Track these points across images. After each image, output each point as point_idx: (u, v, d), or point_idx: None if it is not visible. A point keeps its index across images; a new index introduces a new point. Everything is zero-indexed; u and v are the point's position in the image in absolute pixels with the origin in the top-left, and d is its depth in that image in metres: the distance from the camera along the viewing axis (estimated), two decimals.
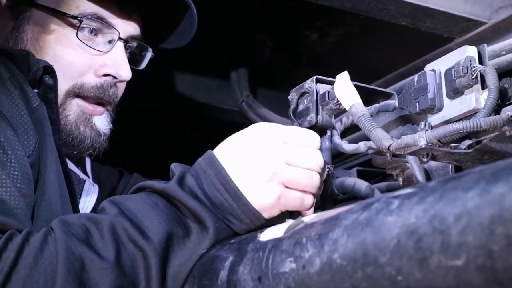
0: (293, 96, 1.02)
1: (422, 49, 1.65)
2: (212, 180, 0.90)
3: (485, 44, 0.89)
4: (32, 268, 0.80)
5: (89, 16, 1.18)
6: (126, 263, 0.84)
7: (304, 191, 0.92)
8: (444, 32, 1.53)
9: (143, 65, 1.33)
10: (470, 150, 0.85)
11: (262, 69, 1.94)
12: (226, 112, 1.95)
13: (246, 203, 0.89)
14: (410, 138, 0.85)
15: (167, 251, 0.87)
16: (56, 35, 1.18)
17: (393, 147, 0.86)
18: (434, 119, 0.91)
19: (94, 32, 1.20)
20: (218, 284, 0.82)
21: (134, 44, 1.28)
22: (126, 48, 1.24)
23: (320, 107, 0.98)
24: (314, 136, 0.94)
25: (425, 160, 0.85)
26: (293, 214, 0.93)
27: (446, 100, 0.90)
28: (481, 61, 0.87)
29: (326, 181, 0.97)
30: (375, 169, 1.27)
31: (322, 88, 0.99)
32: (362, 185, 1.22)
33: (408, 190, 0.60)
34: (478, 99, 0.86)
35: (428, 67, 0.93)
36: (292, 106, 1.02)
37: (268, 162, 0.90)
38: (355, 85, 0.95)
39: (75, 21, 1.18)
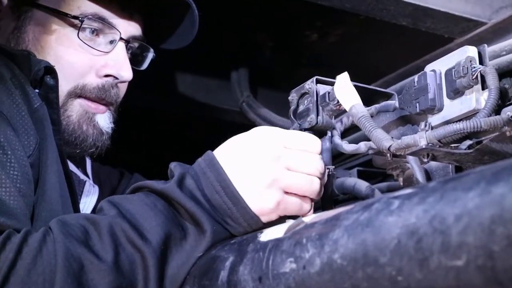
0: (293, 96, 1.02)
1: (423, 49, 1.65)
2: (212, 182, 0.90)
3: (486, 45, 0.89)
4: (31, 269, 0.80)
5: (90, 16, 1.18)
6: (125, 265, 0.84)
7: (304, 196, 0.92)
8: (444, 33, 1.53)
9: (145, 65, 1.32)
10: (471, 151, 0.85)
11: (263, 69, 1.94)
12: (226, 112, 1.95)
13: (244, 207, 0.90)
14: (410, 138, 0.85)
15: (165, 253, 0.87)
16: (57, 36, 1.18)
17: (394, 147, 0.86)
18: (434, 120, 0.91)
19: (96, 32, 1.19)
20: (219, 284, 0.82)
21: (136, 44, 1.28)
22: (127, 48, 1.24)
23: (320, 107, 0.98)
24: (315, 140, 0.95)
25: (425, 160, 0.86)
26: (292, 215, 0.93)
27: (446, 101, 0.90)
28: (481, 62, 0.87)
29: (327, 182, 0.97)
30: (375, 169, 1.27)
31: (322, 88, 0.99)
32: (362, 185, 1.22)
33: (408, 191, 0.60)
34: (478, 99, 0.86)
35: (428, 68, 0.93)
36: (293, 107, 1.02)
37: (269, 168, 0.90)
38: (355, 86, 0.95)
39: (76, 22, 1.17)
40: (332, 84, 0.97)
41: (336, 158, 1.62)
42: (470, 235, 0.48)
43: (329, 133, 1.00)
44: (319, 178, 0.93)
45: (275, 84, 1.98)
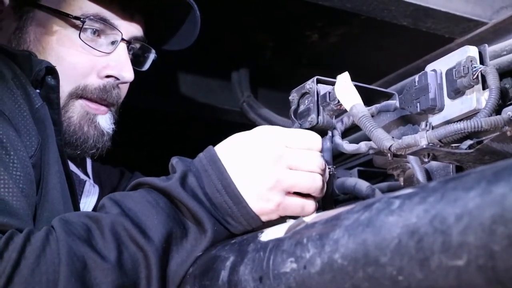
0: (294, 96, 1.02)
1: (423, 49, 1.65)
2: (213, 181, 0.91)
3: (486, 45, 0.89)
4: (34, 268, 0.80)
5: (91, 17, 1.18)
6: (127, 263, 0.84)
7: (307, 195, 0.93)
8: (445, 33, 1.53)
9: (146, 66, 1.32)
10: (471, 150, 0.85)
11: (263, 70, 1.94)
12: (227, 113, 1.95)
13: (245, 206, 0.90)
14: (411, 138, 0.85)
15: (167, 251, 0.87)
16: (59, 36, 1.18)
17: (394, 147, 0.86)
18: (435, 119, 0.91)
19: (97, 33, 1.19)
20: (219, 284, 0.82)
21: (137, 45, 1.28)
22: (129, 49, 1.24)
23: (321, 107, 0.98)
24: (316, 138, 0.95)
25: (426, 160, 0.86)
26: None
27: (447, 100, 0.90)
28: (482, 62, 0.87)
29: (327, 182, 0.98)
30: (376, 169, 1.27)
31: (323, 88, 0.99)
32: (363, 185, 1.22)
33: (409, 190, 0.60)
34: (479, 99, 0.86)
35: (429, 67, 0.93)
36: (293, 107, 1.02)
37: (272, 170, 0.90)
38: (355, 86, 0.95)
39: (77, 22, 1.17)
40: (332, 84, 0.97)
41: (337, 158, 1.62)
42: (471, 235, 0.48)
43: (329, 133, 1.00)
44: (321, 175, 0.94)
45: (276, 84, 1.98)
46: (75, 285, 0.80)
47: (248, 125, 1.02)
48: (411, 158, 0.97)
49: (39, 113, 1.06)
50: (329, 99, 0.97)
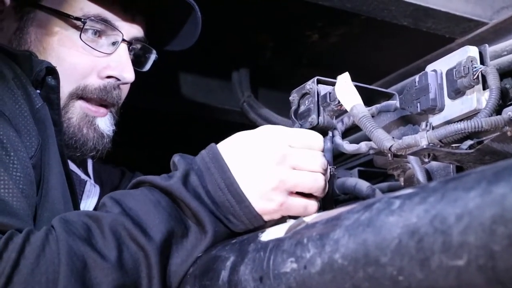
0: (294, 97, 1.02)
1: (423, 49, 1.64)
2: (215, 179, 0.91)
3: (487, 45, 0.89)
4: (34, 268, 0.80)
5: (92, 17, 1.17)
6: (128, 263, 0.84)
7: (309, 195, 0.93)
8: (445, 33, 1.53)
9: (147, 67, 1.32)
10: (472, 151, 0.85)
11: (263, 70, 1.94)
12: (227, 113, 1.95)
13: (248, 206, 0.90)
14: (411, 138, 0.85)
15: (167, 251, 0.87)
16: (60, 37, 1.18)
17: (395, 147, 0.86)
18: (435, 120, 0.91)
19: (98, 33, 1.19)
20: (219, 284, 0.82)
21: (138, 46, 1.28)
22: (130, 50, 1.24)
23: (321, 108, 0.98)
24: (318, 138, 0.96)
25: (426, 160, 0.86)
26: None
27: (447, 101, 0.90)
28: (482, 62, 0.87)
29: (328, 182, 0.98)
30: (376, 169, 1.27)
31: (323, 89, 0.99)
32: (363, 185, 1.22)
33: (409, 190, 0.60)
34: (479, 99, 0.86)
35: (429, 68, 0.93)
36: (294, 107, 1.02)
37: (275, 170, 0.91)
38: (356, 86, 0.95)
39: (78, 23, 1.17)
40: (333, 84, 0.97)
41: (337, 158, 1.62)
42: (471, 235, 0.48)
43: (330, 133, 1.00)
44: (323, 175, 0.94)
45: (276, 84, 1.98)
46: (75, 285, 0.80)
47: (249, 125, 1.02)
48: (412, 158, 0.97)
49: (39, 114, 1.06)
50: (330, 100, 0.97)
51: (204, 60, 1.85)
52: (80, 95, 1.18)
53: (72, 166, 1.24)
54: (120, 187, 1.45)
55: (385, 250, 0.57)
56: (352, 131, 1.33)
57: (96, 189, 1.30)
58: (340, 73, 0.96)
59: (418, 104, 0.92)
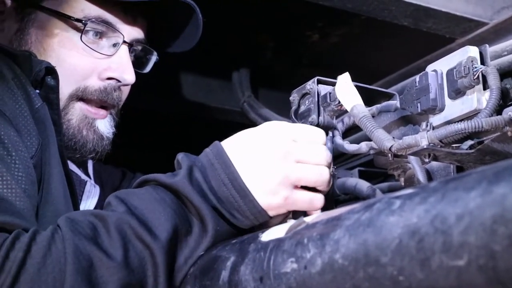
0: (294, 97, 1.02)
1: (424, 49, 1.65)
2: (219, 174, 0.91)
3: (487, 45, 0.89)
4: (40, 268, 0.80)
5: (93, 19, 1.17)
6: (134, 261, 0.84)
7: (315, 189, 0.93)
8: (445, 33, 1.53)
9: (148, 68, 1.32)
10: (472, 151, 0.85)
11: (264, 70, 1.94)
12: (227, 113, 1.95)
13: (252, 200, 0.90)
14: (411, 138, 0.85)
15: (173, 248, 0.87)
16: (60, 38, 1.18)
17: (395, 147, 0.86)
18: (435, 120, 0.91)
19: (99, 35, 1.19)
20: (220, 284, 0.82)
21: (139, 47, 1.27)
22: (130, 51, 1.23)
23: (321, 108, 0.98)
24: (320, 132, 0.96)
25: (426, 160, 0.86)
26: (296, 213, 0.94)
27: (447, 101, 0.90)
28: (482, 62, 0.87)
29: None
30: (376, 169, 1.27)
31: (324, 89, 0.99)
32: (363, 185, 1.22)
33: (409, 191, 0.60)
34: (479, 99, 0.86)
35: (429, 68, 0.93)
36: (294, 107, 1.02)
37: (280, 165, 0.91)
38: (356, 86, 0.95)
39: (79, 24, 1.17)
40: (333, 84, 0.97)
41: (338, 158, 1.62)
42: (472, 235, 0.48)
43: (330, 134, 1.00)
44: (328, 168, 0.94)
45: (276, 84, 1.98)
46: (81, 284, 0.80)
47: (249, 125, 1.02)
48: (412, 158, 0.97)
49: (39, 113, 1.06)
50: (330, 100, 0.97)
51: (205, 60, 1.85)
52: (80, 96, 1.18)
53: (72, 167, 1.24)
54: (120, 187, 1.45)
55: (386, 250, 0.57)
56: (352, 131, 1.33)
57: (96, 190, 1.30)
58: (341, 73, 0.96)
59: (419, 104, 0.92)
